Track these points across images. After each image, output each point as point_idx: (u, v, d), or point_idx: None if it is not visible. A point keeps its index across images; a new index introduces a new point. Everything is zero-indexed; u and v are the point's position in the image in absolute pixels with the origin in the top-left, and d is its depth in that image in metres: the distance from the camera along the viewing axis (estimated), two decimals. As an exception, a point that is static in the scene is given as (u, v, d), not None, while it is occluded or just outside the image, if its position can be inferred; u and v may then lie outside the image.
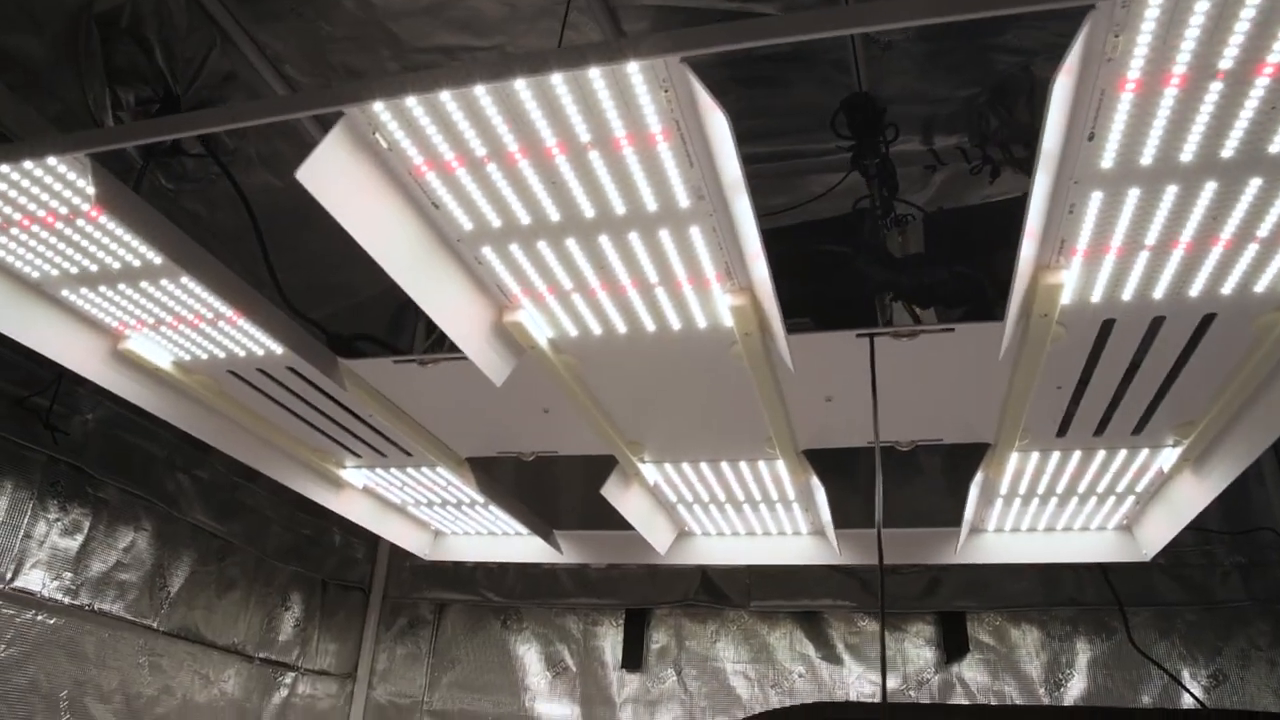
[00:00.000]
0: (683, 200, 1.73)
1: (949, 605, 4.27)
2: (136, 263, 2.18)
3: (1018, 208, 3.49)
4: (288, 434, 3.11)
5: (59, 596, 3.21)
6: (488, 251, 1.92)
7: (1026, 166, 3.96)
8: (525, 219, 1.81)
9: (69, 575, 3.26)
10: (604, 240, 1.86)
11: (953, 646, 4.20)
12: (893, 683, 4.23)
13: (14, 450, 3.09)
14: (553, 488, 4.62)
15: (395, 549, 4.92)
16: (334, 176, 1.61)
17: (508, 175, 1.69)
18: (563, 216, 1.79)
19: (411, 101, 1.53)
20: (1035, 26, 3.42)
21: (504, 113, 1.54)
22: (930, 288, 2.50)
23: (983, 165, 3.89)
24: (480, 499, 3.53)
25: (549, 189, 1.72)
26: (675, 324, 2.16)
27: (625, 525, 3.79)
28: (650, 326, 2.17)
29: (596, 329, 2.19)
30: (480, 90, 1.49)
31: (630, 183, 1.69)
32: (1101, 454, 2.83)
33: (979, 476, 2.96)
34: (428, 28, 3.45)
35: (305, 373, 2.62)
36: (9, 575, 3.02)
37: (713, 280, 1.99)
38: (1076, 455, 2.85)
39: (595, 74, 1.45)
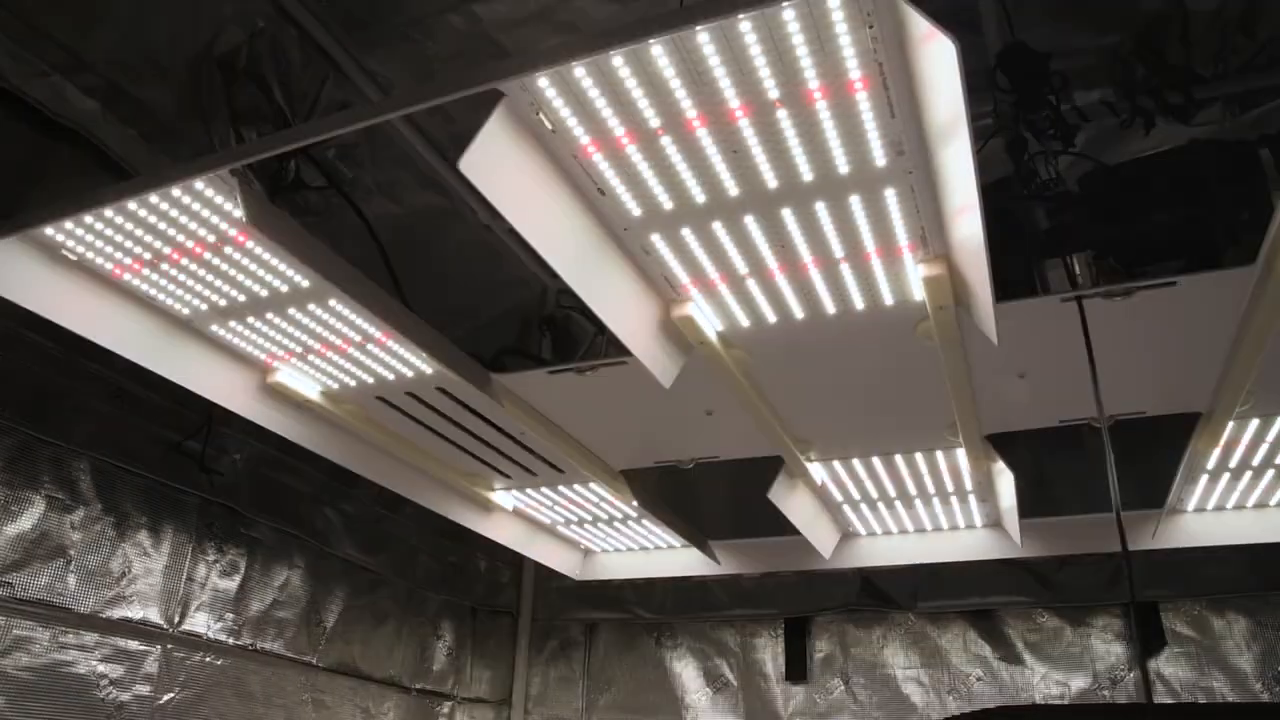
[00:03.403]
0: (879, 158, 1.54)
1: (1138, 595, 3.91)
2: (284, 288, 2.10)
3: (1186, 157, 3.15)
4: (437, 459, 3.02)
5: (224, 637, 3.18)
6: (657, 239, 1.77)
7: (1183, 114, 3.61)
8: (700, 197, 1.64)
9: (231, 616, 3.24)
10: (786, 214, 1.68)
11: (1147, 640, 3.84)
12: (1083, 682, 3.90)
13: (171, 495, 3.08)
14: (693, 496, 4.44)
15: (541, 571, 4.83)
16: (496, 165, 1.47)
17: (683, 147, 1.53)
18: (742, 190, 1.62)
19: (580, 71, 1.38)
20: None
21: (683, 73, 1.38)
22: (1151, 239, 2.23)
23: (1133, 118, 3.56)
24: (634, 513, 3.39)
25: (728, 159, 1.55)
26: (859, 303, 1.97)
27: (774, 530, 3.59)
28: (831, 309, 1.98)
29: (771, 316, 2.01)
30: (658, 49, 1.33)
31: (821, 143, 1.51)
32: (1336, 415, 2.50)
33: (1187, 451, 2.67)
34: (536, 34, 3.34)
35: (456, 391, 2.52)
36: (177, 619, 3.01)
37: (905, 250, 1.79)
38: (1306, 418, 2.53)
39: (789, 15, 1.27)
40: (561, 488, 3.22)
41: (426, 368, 2.41)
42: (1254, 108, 3.56)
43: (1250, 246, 2.25)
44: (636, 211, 1.69)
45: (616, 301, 1.84)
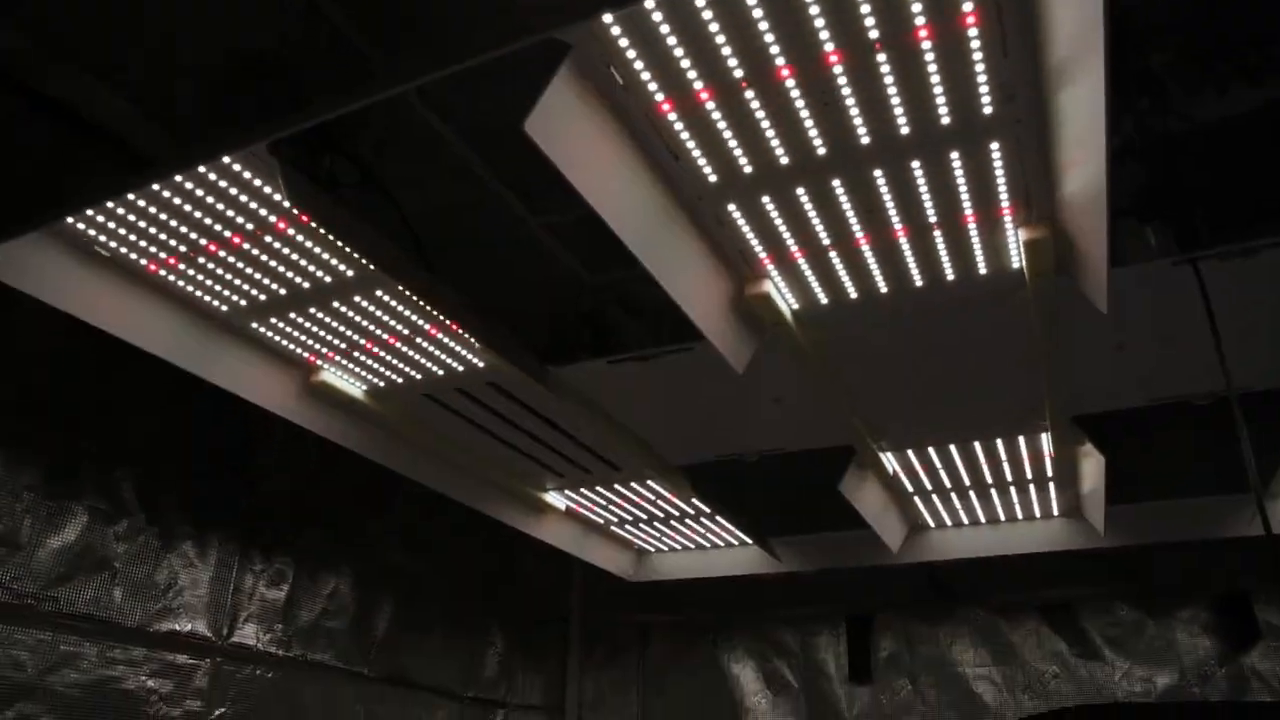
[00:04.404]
0: (986, 106, 1.38)
1: (1229, 586, 3.69)
2: (328, 279, 1.98)
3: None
4: (487, 459, 2.89)
5: (274, 649, 3.07)
6: (733, 209, 1.62)
7: (1260, 76, 3.39)
8: (785, 158, 1.49)
9: (280, 627, 3.12)
10: (877, 174, 1.52)
11: (1239, 633, 3.62)
12: (1169, 678, 3.69)
13: (216, 503, 2.97)
14: (752, 491, 4.27)
15: (591, 574, 4.69)
16: (563, 125, 1.33)
17: (769, 101, 1.38)
18: (830, 149, 1.47)
19: (659, 15, 1.23)
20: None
21: (773, 14, 1.23)
22: (1261, 194, 2.06)
23: (1203, 82, 3.36)
24: (691, 511, 3.25)
25: (817, 114, 1.39)
26: (950, 274, 1.80)
27: (837, 525, 3.43)
28: (918, 281, 1.82)
29: (853, 292, 1.86)
30: (745, -16, 1.18)
31: (923, 91, 1.35)
32: None
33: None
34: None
35: (509, 386, 2.39)
36: (225, 631, 2.90)
37: (1006, 211, 1.62)
38: None
39: (898, -64, 1.11)
40: (617, 485, 3.08)
41: (479, 361, 2.28)
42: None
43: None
44: (713, 178, 1.54)
45: (687, 278, 1.69)
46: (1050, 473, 2.88)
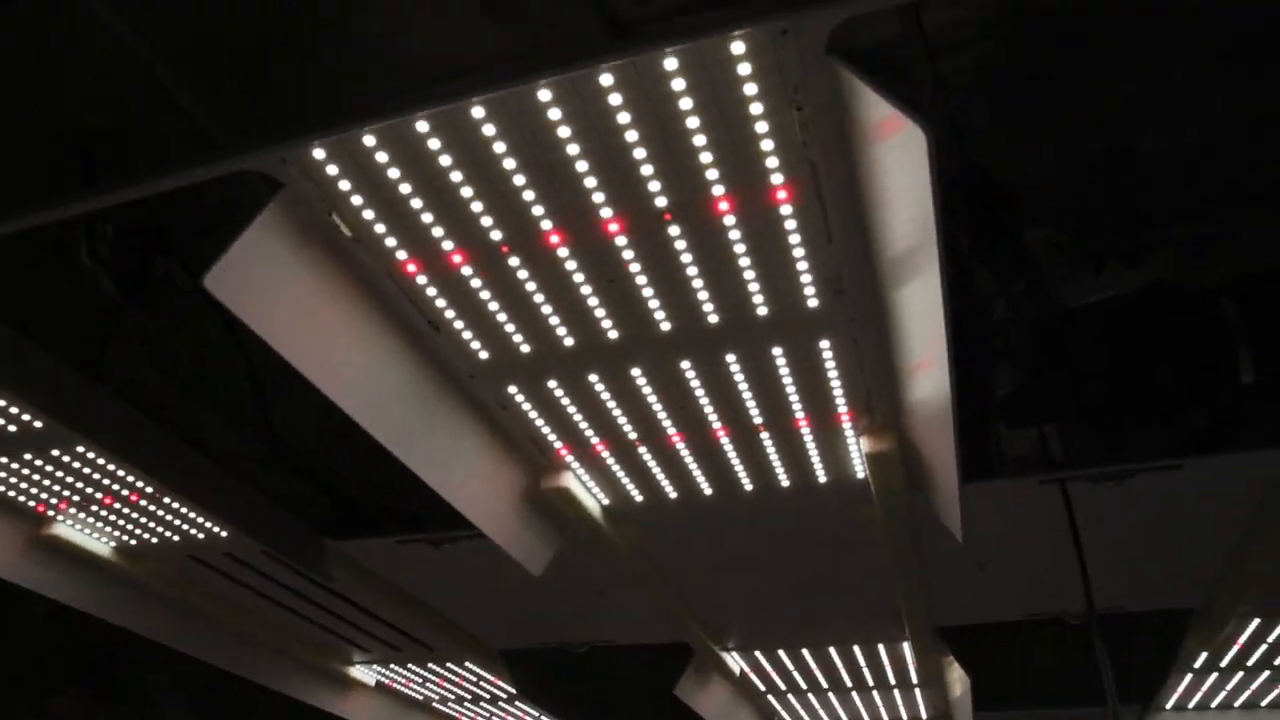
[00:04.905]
0: (811, 299, 1.12)
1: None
2: (37, 424, 1.60)
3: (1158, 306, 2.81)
4: (275, 627, 2.46)
5: None
6: (514, 391, 1.31)
7: (1133, 260, 3.32)
8: (569, 339, 1.20)
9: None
10: (685, 366, 1.24)
11: None
12: None
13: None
14: (593, 676, 3.85)
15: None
16: (266, 283, 1.02)
17: (538, 271, 1.09)
18: (624, 333, 1.18)
19: (383, 156, 0.94)
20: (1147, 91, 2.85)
21: (530, 163, 0.95)
22: (1141, 409, 1.86)
23: (1082, 260, 3.28)
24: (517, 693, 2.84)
25: (603, 291, 1.11)
26: (783, 480, 1.52)
27: (691, 715, 3.08)
28: (747, 485, 1.54)
29: (671, 492, 1.56)
30: (490, 128, 0.90)
31: (729, 275, 1.08)
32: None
33: (1181, 649, 2.26)
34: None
35: (287, 557, 2.00)
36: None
37: (844, 417, 1.36)
38: (1313, 621, 2.14)
39: (679, 84, 0.85)
40: (433, 665, 2.67)
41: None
42: (1203, 254, 3.31)
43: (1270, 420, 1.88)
44: (484, 354, 1.24)
45: (462, 469, 1.37)
46: (915, 679, 2.58)
